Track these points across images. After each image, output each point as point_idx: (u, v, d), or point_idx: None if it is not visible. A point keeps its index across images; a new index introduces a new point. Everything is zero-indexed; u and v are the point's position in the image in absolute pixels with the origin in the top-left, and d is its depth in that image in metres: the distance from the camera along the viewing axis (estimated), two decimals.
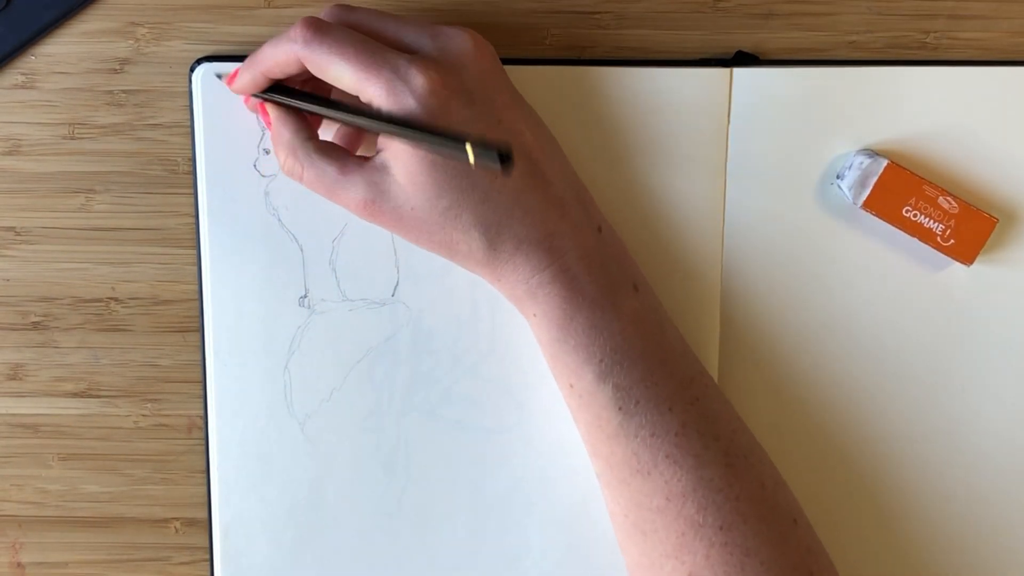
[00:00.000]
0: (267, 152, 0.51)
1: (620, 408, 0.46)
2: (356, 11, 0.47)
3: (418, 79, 0.44)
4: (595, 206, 0.48)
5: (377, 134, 0.46)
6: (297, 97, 0.47)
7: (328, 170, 0.46)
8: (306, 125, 0.47)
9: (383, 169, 0.45)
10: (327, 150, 0.46)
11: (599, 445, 0.47)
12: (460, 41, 0.46)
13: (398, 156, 0.45)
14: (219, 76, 0.50)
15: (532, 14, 0.51)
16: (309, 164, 0.46)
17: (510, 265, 0.46)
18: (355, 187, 0.45)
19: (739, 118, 0.51)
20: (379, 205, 0.45)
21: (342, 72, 0.44)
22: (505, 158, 0.38)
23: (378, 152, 0.46)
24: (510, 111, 0.46)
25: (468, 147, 0.39)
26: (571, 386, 0.47)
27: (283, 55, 0.45)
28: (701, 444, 0.45)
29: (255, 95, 0.48)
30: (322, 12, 0.47)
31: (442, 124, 0.43)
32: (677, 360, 0.47)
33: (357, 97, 0.45)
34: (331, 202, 0.47)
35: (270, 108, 0.47)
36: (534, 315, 0.46)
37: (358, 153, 0.49)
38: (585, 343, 0.46)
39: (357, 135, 0.49)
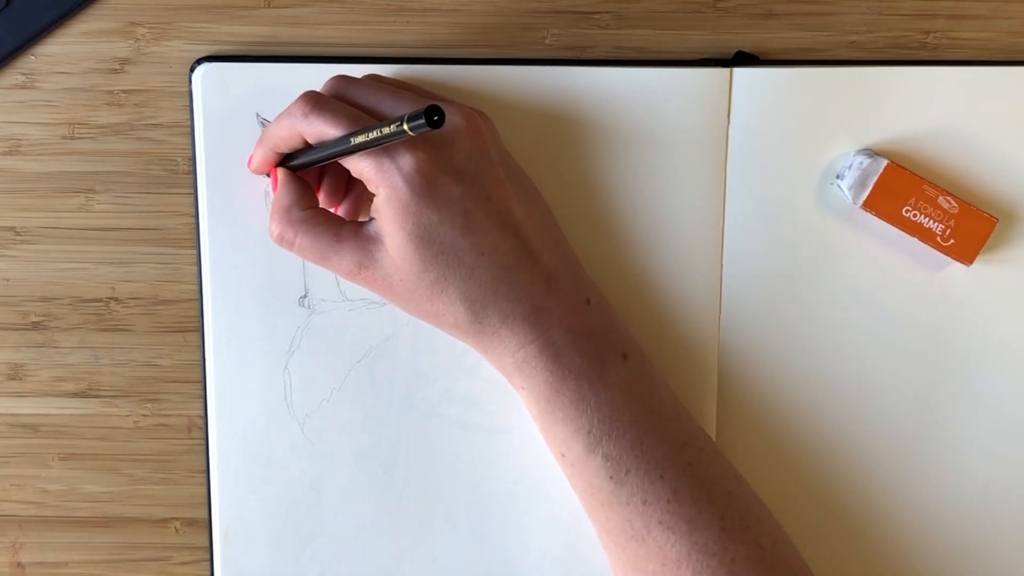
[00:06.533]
0: None
1: (611, 477, 0.46)
2: (354, 84, 0.47)
3: (405, 158, 0.44)
4: (586, 277, 0.49)
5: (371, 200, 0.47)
6: (290, 158, 0.48)
7: (323, 237, 0.47)
8: (308, 194, 0.48)
9: (376, 239, 0.46)
10: (323, 217, 0.47)
11: (594, 512, 0.48)
12: (453, 119, 0.46)
13: (387, 229, 0.45)
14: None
15: (532, 14, 0.51)
16: (304, 231, 0.47)
17: (496, 339, 0.47)
18: (349, 254, 0.46)
19: (739, 118, 0.51)
20: (371, 272, 0.46)
21: None
22: (432, 119, 0.40)
23: (371, 220, 0.47)
24: (501, 187, 0.47)
25: (406, 127, 0.41)
26: (563, 455, 0.47)
27: (285, 130, 0.46)
28: (695, 509, 0.46)
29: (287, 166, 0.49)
30: (323, 84, 0.48)
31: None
32: (669, 425, 0.47)
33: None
34: (320, 267, 0.48)
35: (279, 176, 0.48)
36: (522, 387, 0.47)
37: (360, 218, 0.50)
38: (572, 415, 0.46)
39: (356, 205, 0.50)
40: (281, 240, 0.47)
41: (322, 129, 0.45)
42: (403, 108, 0.46)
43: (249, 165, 0.50)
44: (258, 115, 0.50)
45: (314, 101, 0.46)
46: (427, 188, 0.45)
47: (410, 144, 0.45)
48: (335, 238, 0.47)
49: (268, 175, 0.50)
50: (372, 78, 0.49)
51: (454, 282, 0.45)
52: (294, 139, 0.47)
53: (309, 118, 0.45)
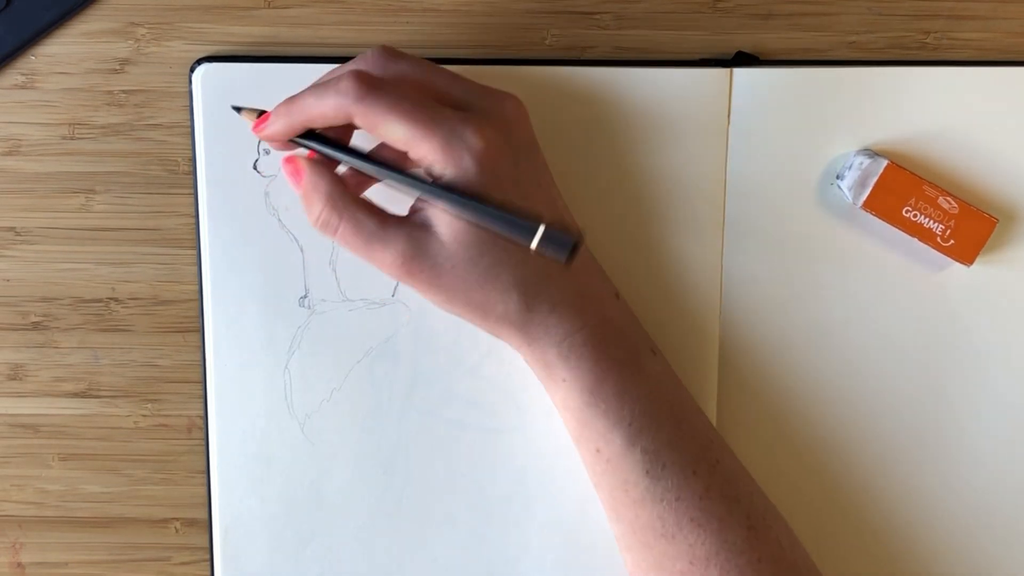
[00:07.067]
0: (267, 152, 0.51)
1: (647, 472, 0.46)
2: (403, 60, 0.45)
3: (474, 138, 0.43)
4: (606, 274, 0.49)
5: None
6: (349, 154, 0.45)
7: (367, 223, 0.44)
8: (341, 179, 0.45)
9: (424, 227, 0.44)
10: (367, 204, 0.45)
11: (623, 510, 0.47)
12: (509, 104, 0.45)
13: (440, 215, 0.44)
14: (237, 109, 0.47)
15: (532, 14, 0.51)
16: (349, 216, 0.44)
17: (543, 328, 0.45)
18: (396, 242, 0.44)
19: (739, 118, 0.51)
20: (418, 262, 0.44)
21: (395, 129, 0.43)
22: (575, 248, 0.39)
23: (417, 211, 0.45)
24: (546, 174, 0.46)
25: (540, 229, 0.39)
26: (597, 451, 0.46)
27: (331, 108, 0.43)
28: (725, 507, 0.46)
29: (297, 142, 0.45)
30: (367, 57, 0.45)
31: (506, 201, 0.42)
32: (695, 422, 0.47)
33: (405, 154, 0.44)
34: (364, 259, 0.45)
35: (305, 159, 0.45)
36: (563, 380, 0.46)
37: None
38: (615, 406, 0.46)
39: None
40: (325, 226, 0.44)
41: (377, 118, 0.42)
42: (458, 88, 0.45)
43: (256, 128, 0.45)
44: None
45: (368, 82, 0.42)
46: (494, 169, 0.43)
47: (476, 124, 0.43)
48: (380, 225, 0.44)
49: (259, 147, 0.49)
50: (419, 60, 0.46)
51: (509, 267, 0.44)
52: (338, 118, 0.43)
53: (365, 102, 0.42)
